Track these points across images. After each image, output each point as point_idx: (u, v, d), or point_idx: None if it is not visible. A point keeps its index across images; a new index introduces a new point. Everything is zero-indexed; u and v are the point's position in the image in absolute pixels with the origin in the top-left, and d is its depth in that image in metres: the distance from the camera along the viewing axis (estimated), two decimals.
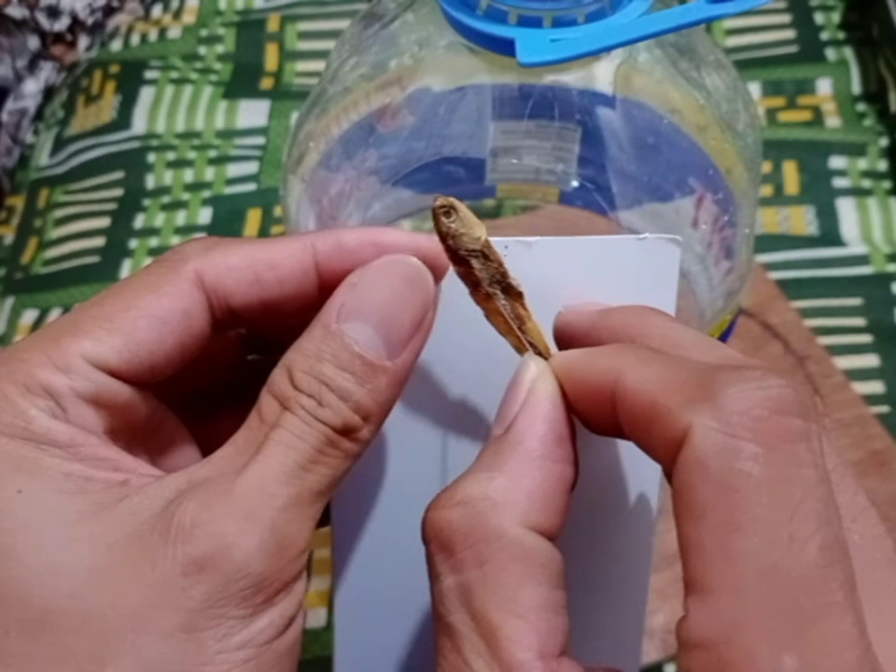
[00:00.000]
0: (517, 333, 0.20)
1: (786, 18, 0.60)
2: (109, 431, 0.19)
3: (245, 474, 0.18)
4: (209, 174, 0.56)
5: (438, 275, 0.20)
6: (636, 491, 0.23)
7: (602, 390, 0.18)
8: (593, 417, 0.19)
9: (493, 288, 0.20)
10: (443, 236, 0.19)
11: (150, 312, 0.19)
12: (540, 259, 0.21)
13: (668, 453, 0.16)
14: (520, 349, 0.20)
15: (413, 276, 0.20)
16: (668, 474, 0.17)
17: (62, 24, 0.67)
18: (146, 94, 0.60)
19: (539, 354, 0.20)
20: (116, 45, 0.64)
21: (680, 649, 0.16)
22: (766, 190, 0.52)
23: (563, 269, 0.21)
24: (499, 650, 0.16)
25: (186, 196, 0.55)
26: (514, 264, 0.20)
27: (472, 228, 0.19)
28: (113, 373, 0.19)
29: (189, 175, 0.56)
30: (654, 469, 0.21)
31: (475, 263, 0.19)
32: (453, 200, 0.19)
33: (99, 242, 0.54)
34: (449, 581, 0.17)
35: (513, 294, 0.20)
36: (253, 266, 0.20)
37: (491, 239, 0.20)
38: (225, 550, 0.17)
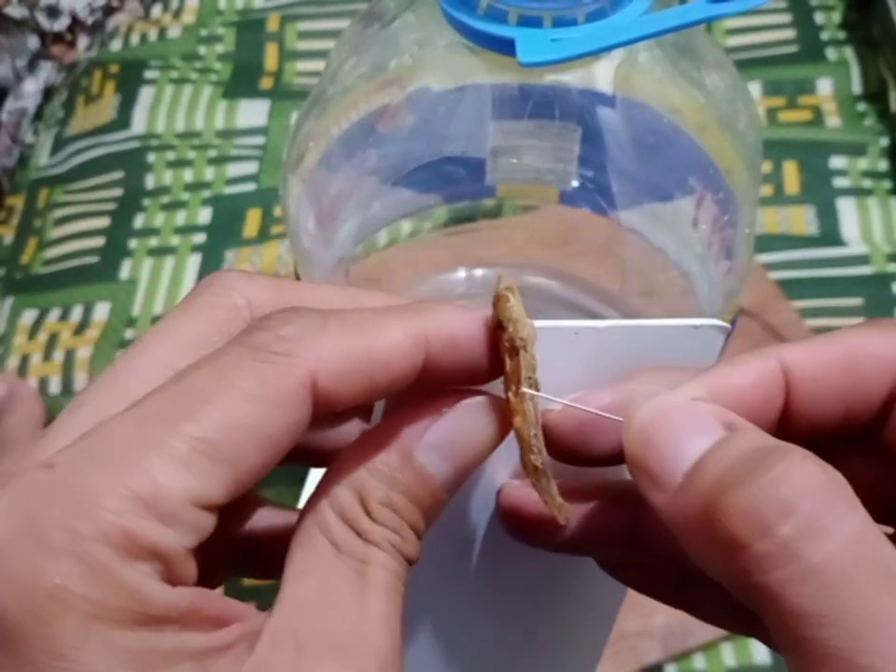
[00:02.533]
0: (531, 441, 0.18)
1: (786, 17, 0.60)
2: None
3: (368, 631, 0.15)
4: (209, 173, 0.56)
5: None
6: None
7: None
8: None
9: (527, 385, 0.18)
10: (505, 321, 0.18)
11: (260, 432, 0.15)
12: (587, 343, 0.19)
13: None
14: (527, 459, 0.19)
15: (493, 422, 0.18)
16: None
17: (61, 24, 0.67)
18: (145, 94, 0.60)
19: (541, 468, 0.18)
20: (115, 45, 0.64)
21: None
22: (767, 190, 0.52)
23: (613, 352, 0.20)
24: None
25: (185, 196, 0.55)
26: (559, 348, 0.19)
27: (525, 316, 0.18)
28: (215, 509, 0.15)
29: (188, 175, 0.56)
30: None
31: (523, 355, 0.18)
32: (514, 284, 0.18)
33: (99, 242, 0.54)
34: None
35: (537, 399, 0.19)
36: (369, 368, 0.16)
37: (538, 323, 0.18)
38: None
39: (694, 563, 0.16)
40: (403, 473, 0.17)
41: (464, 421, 0.17)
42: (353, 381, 0.16)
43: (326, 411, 0.16)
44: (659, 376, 0.18)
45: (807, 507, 0.14)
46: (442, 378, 0.17)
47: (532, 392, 0.18)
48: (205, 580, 0.16)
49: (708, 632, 0.39)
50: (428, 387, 0.17)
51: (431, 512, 0.17)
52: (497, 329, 0.18)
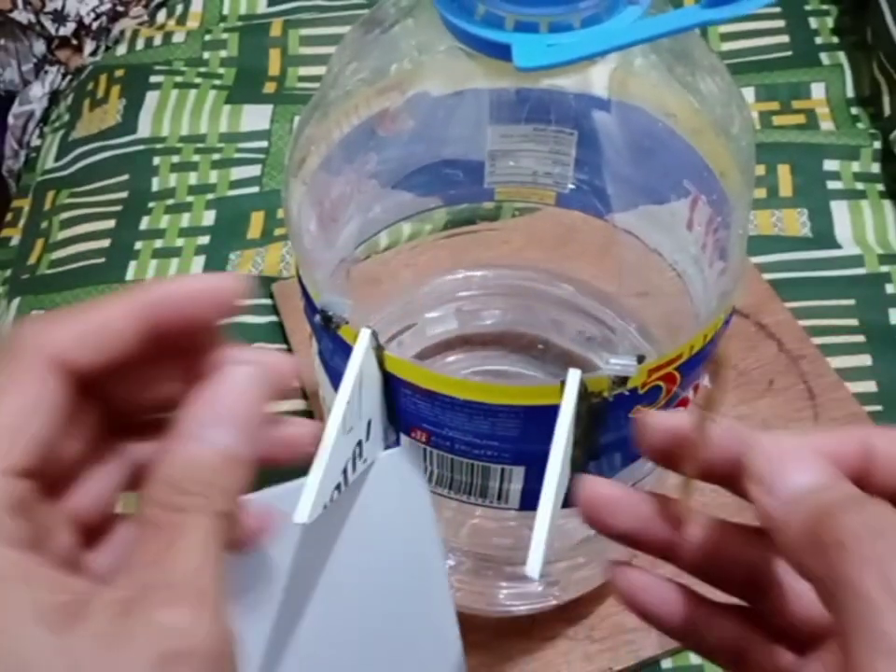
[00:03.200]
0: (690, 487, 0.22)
1: (780, 22, 0.60)
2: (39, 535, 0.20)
3: (180, 568, 0.19)
4: (213, 176, 0.57)
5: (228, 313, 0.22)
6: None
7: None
8: None
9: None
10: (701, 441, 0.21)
11: (26, 410, 0.20)
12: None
13: None
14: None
15: (256, 377, 0.22)
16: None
17: (67, 29, 0.67)
18: (150, 98, 0.60)
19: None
20: (121, 49, 0.64)
21: None
22: (761, 192, 0.53)
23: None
24: None
25: (190, 198, 0.56)
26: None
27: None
28: (31, 474, 0.20)
29: (193, 178, 0.57)
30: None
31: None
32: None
33: (104, 243, 0.54)
34: None
35: None
36: (85, 331, 0.21)
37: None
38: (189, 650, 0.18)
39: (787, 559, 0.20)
40: (201, 453, 0.20)
41: (225, 395, 0.21)
42: (87, 347, 0.20)
43: (81, 377, 0.21)
44: None
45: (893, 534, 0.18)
46: (187, 340, 0.21)
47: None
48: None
49: None
50: (188, 352, 0.22)
51: (239, 473, 0.20)
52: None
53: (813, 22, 0.60)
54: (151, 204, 0.56)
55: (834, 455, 0.21)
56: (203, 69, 0.62)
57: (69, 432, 0.21)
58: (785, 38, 0.60)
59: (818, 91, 0.57)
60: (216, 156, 0.57)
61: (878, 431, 0.21)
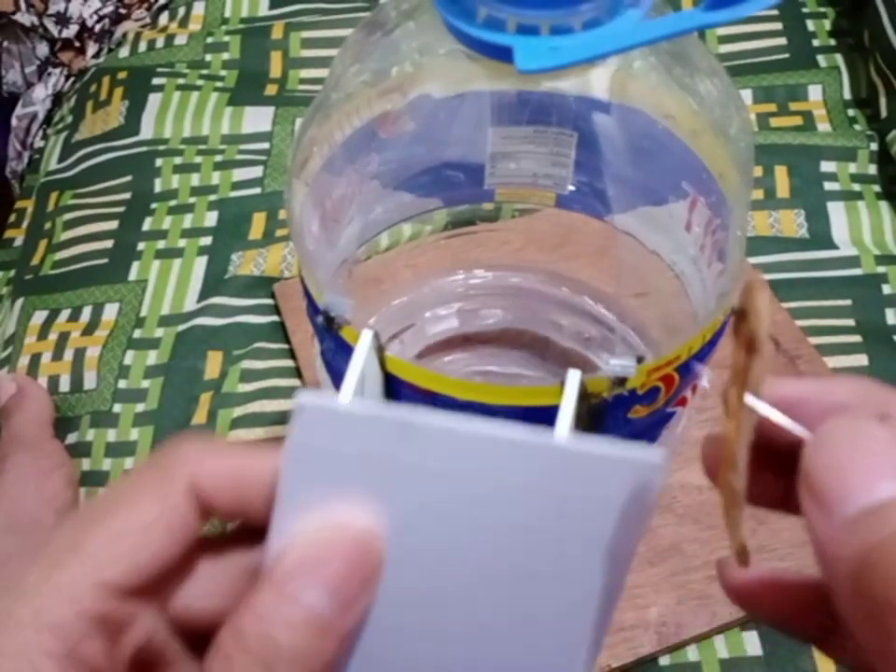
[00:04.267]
0: (736, 459, 0.17)
1: (778, 25, 0.60)
2: (107, 654, 0.19)
3: None
4: (215, 178, 0.57)
5: None
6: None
7: None
8: None
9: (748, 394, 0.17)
10: (751, 311, 0.16)
11: (150, 527, 0.19)
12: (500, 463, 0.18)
13: None
14: (727, 479, 0.17)
15: (367, 542, 0.19)
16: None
17: (70, 31, 0.67)
18: (153, 100, 0.60)
19: (738, 491, 0.17)
20: (123, 52, 0.64)
21: None
22: (758, 194, 0.53)
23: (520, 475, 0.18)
24: None
25: (192, 199, 0.56)
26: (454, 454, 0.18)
27: (769, 318, 0.16)
28: (119, 592, 0.19)
29: (195, 179, 0.57)
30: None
31: (759, 358, 0.16)
32: (764, 280, 0.17)
33: (107, 244, 0.54)
34: None
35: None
36: (240, 482, 0.19)
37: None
38: None
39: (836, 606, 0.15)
40: (278, 607, 0.18)
41: (325, 546, 0.18)
42: (226, 490, 0.19)
43: (210, 513, 0.19)
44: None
45: None
46: None
47: (757, 403, 0.16)
48: None
49: (702, 624, 0.39)
50: None
51: (321, 642, 0.18)
52: (738, 319, 0.16)
53: (810, 25, 0.60)
54: (154, 205, 0.56)
55: None
56: (205, 71, 0.62)
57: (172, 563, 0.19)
58: (782, 41, 0.60)
59: (815, 93, 0.57)
60: (218, 157, 0.58)
61: None
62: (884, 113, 0.55)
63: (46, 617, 0.18)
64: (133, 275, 0.53)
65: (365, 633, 0.20)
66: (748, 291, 0.17)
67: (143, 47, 0.64)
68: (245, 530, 0.21)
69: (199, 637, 0.20)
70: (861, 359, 0.47)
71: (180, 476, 0.19)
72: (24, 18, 0.67)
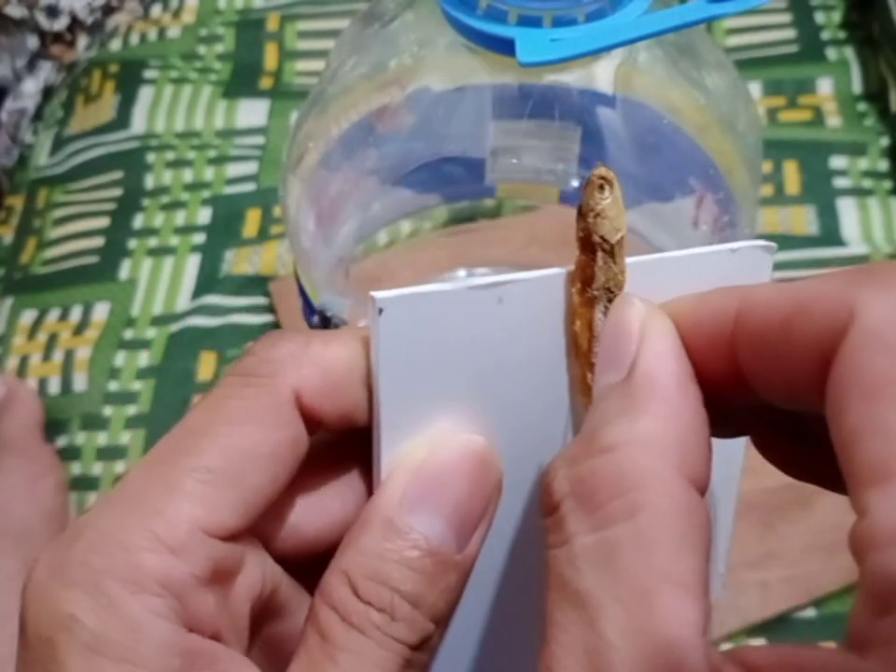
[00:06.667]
0: (592, 358, 0.17)
1: (786, 17, 0.60)
2: (222, 612, 0.16)
3: None
4: (208, 173, 0.56)
5: None
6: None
7: (721, 323, 0.15)
8: (708, 363, 0.16)
9: (601, 295, 0.17)
10: (588, 210, 0.17)
11: (255, 451, 0.16)
12: (636, 280, 0.18)
13: (820, 346, 0.14)
14: (584, 378, 0.17)
15: (485, 457, 0.17)
16: (811, 379, 0.14)
17: (61, 24, 0.67)
18: (145, 94, 0.60)
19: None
20: (115, 44, 0.64)
21: (863, 554, 0.13)
22: (767, 190, 0.52)
23: (653, 287, 0.18)
24: (652, 620, 0.13)
25: (185, 196, 0.55)
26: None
27: (617, 217, 0.17)
28: (230, 535, 0.16)
29: (188, 175, 0.56)
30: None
31: (599, 257, 0.17)
32: (614, 176, 0.17)
33: (98, 242, 0.54)
34: (586, 541, 0.14)
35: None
36: (350, 386, 0.17)
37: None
38: None
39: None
40: (391, 541, 0.16)
41: (441, 468, 0.17)
42: (336, 396, 0.17)
43: (318, 427, 0.17)
44: None
45: None
46: None
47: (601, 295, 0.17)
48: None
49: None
50: None
51: (442, 579, 0.16)
52: (579, 215, 0.17)
53: (819, 17, 0.60)
54: (145, 202, 0.55)
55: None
56: (198, 64, 0.61)
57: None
58: (791, 33, 0.59)
59: (824, 86, 0.57)
60: (211, 153, 0.57)
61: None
62: (894, 107, 0.54)
63: (148, 574, 0.15)
64: (124, 274, 0.52)
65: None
66: (586, 188, 0.17)
67: (135, 39, 0.64)
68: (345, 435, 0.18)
69: (309, 569, 0.18)
70: None
71: (284, 388, 0.16)
72: (14, 10, 0.66)
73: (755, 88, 0.57)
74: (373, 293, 0.17)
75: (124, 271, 0.52)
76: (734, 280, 0.18)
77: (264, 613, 0.18)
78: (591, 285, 0.17)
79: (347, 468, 0.18)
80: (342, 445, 0.18)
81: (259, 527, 0.17)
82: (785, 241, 0.50)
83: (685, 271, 0.18)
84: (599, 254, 0.17)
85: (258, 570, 0.17)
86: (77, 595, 0.15)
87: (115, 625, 0.15)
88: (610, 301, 0.17)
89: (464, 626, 0.19)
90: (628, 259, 0.18)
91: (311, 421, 0.17)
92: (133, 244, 0.53)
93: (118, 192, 0.56)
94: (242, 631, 0.17)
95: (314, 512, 0.18)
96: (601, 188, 0.17)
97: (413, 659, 0.16)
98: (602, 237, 0.17)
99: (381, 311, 0.17)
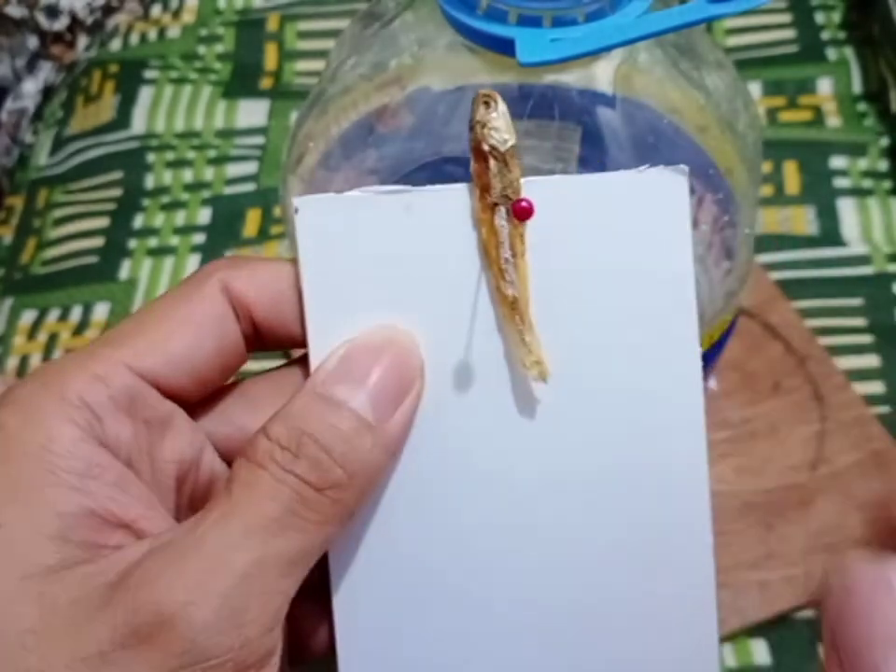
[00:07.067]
0: (501, 264, 0.19)
1: (786, 17, 0.60)
2: (142, 451, 0.18)
3: (202, 537, 0.16)
4: (208, 174, 0.56)
5: None
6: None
7: None
8: None
9: (500, 202, 0.19)
10: (475, 123, 0.19)
11: (184, 318, 0.19)
12: (541, 197, 0.19)
13: None
14: (498, 286, 0.19)
15: (405, 344, 0.19)
16: None
17: (61, 24, 0.67)
18: (145, 94, 0.59)
19: (515, 299, 0.19)
20: (115, 44, 0.64)
21: None
22: (767, 190, 0.52)
23: (563, 209, 0.19)
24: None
25: (185, 196, 0.55)
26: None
27: (505, 129, 0.19)
28: (157, 384, 0.18)
29: (188, 175, 0.56)
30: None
31: (493, 165, 0.18)
32: (498, 95, 0.19)
33: (98, 242, 0.54)
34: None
35: (516, 221, 0.19)
36: (277, 282, 0.19)
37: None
38: (170, 621, 0.15)
39: None
40: (313, 404, 0.18)
41: (362, 353, 0.18)
42: (260, 289, 0.19)
43: (248, 315, 0.19)
44: None
45: None
46: None
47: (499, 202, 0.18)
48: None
49: None
50: None
51: (356, 437, 0.17)
52: (469, 129, 0.19)
53: (819, 17, 0.60)
54: (146, 202, 0.55)
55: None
56: (198, 64, 0.61)
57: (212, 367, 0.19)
58: (791, 33, 0.59)
59: (824, 86, 0.57)
60: (211, 153, 0.57)
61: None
62: (894, 108, 0.54)
63: (72, 390, 0.18)
64: (124, 274, 0.52)
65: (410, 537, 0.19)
66: (472, 104, 0.19)
67: (135, 39, 0.64)
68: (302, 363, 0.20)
69: None
70: (873, 360, 0.46)
71: (212, 278, 0.19)
72: (14, 10, 0.66)
73: (755, 88, 0.56)
74: (294, 198, 0.19)
75: (124, 271, 0.52)
76: (647, 208, 0.19)
77: (193, 486, 0.19)
78: (489, 192, 0.19)
79: (294, 378, 0.20)
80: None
81: (198, 412, 0.20)
82: (785, 241, 0.50)
83: (594, 194, 0.19)
84: (492, 162, 0.19)
85: (185, 436, 0.19)
86: (10, 410, 0.18)
87: (32, 427, 0.17)
88: (510, 211, 0.19)
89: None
90: (535, 178, 0.19)
91: (241, 308, 0.19)
92: (133, 244, 0.53)
93: (118, 192, 0.56)
94: (167, 491, 0.19)
95: (253, 410, 0.20)
96: (486, 104, 0.19)
97: (312, 499, 0.17)
98: (492, 146, 0.18)
99: (297, 210, 0.19)
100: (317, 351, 0.19)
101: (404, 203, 0.19)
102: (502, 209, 0.19)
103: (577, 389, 0.19)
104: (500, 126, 0.19)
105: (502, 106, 0.19)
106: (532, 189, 0.19)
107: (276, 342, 0.20)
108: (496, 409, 0.19)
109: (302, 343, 0.20)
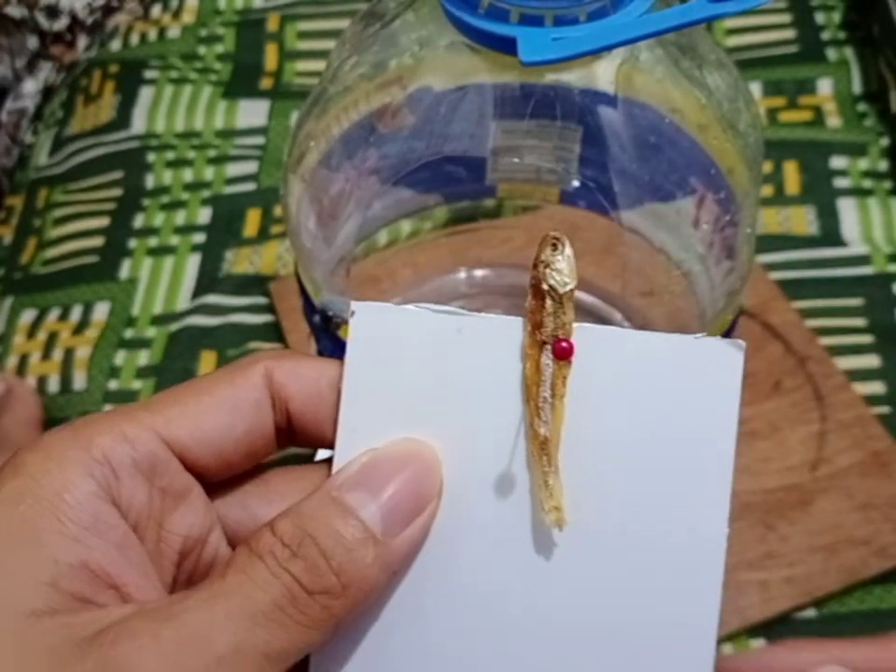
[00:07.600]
0: (539, 402, 0.19)
1: (787, 17, 0.60)
2: (152, 517, 0.18)
3: (187, 610, 0.16)
4: (208, 173, 0.56)
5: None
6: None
7: None
8: None
9: (549, 341, 0.19)
10: (538, 261, 0.19)
11: (222, 397, 0.19)
12: (593, 346, 0.19)
13: None
14: (532, 423, 0.19)
15: (429, 463, 0.19)
16: None
17: (61, 24, 0.67)
18: (145, 94, 0.60)
19: (546, 440, 0.19)
20: (115, 44, 0.64)
21: None
22: (767, 190, 0.52)
23: (612, 358, 0.19)
24: None
25: (185, 196, 0.55)
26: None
27: (568, 273, 0.19)
28: (182, 455, 0.19)
29: (188, 175, 0.56)
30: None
31: (549, 305, 0.19)
32: (566, 239, 0.19)
33: (98, 241, 0.54)
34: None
35: (561, 362, 0.19)
36: (318, 379, 0.19)
37: None
38: None
39: None
40: (323, 507, 0.18)
41: (383, 465, 0.18)
42: (302, 384, 0.19)
43: (285, 407, 0.19)
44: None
45: None
46: None
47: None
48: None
49: None
50: None
51: (358, 548, 0.17)
52: (532, 266, 0.19)
53: (820, 17, 0.60)
54: (146, 202, 0.55)
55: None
56: (198, 64, 0.61)
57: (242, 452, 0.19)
58: (791, 33, 0.59)
59: (824, 87, 0.57)
60: (211, 152, 0.57)
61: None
62: (894, 108, 0.54)
63: (98, 445, 0.18)
64: (124, 274, 0.52)
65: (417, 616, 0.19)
66: (540, 244, 0.19)
67: (135, 39, 0.64)
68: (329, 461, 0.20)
69: None
70: (873, 360, 0.46)
71: (258, 364, 0.19)
72: (14, 10, 0.66)
73: (755, 88, 0.57)
74: (353, 303, 0.19)
75: (124, 270, 0.52)
76: (698, 376, 0.19)
77: (195, 564, 0.19)
78: (540, 329, 0.19)
79: (316, 475, 0.20)
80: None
81: (216, 492, 0.20)
82: (785, 241, 0.50)
83: (647, 350, 0.19)
84: (549, 302, 0.19)
85: (197, 512, 0.19)
86: (35, 451, 0.18)
87: (51, 472, 0.17)
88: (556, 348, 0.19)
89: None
90: (590, 325, 0.19)
91: (279, 400, 0.19)
92: (133, 243, 0.53)
93: (118, 192, 0.56)
94: (168, 563, 0.19)
95: (269, 501, 0.20)
96: (553, 246, 0.19)
97: (301, 600, 0.17)
98: (551, 286, 0.19)
99: (353, 313, 0.19)
100: (343, 454, 0.19)
101: (457, 325, 0.20)
102: (549, 348, 0.19)
103: (593, 541, 0.19)
104: (563, 269, 0.19)
105: (568, 250, 0.19)
106: (583, 334, 0.19)
107: (307, 439, 0.20)
108: (508, 545, 0.19)
109: (332, 445, 0.19)
